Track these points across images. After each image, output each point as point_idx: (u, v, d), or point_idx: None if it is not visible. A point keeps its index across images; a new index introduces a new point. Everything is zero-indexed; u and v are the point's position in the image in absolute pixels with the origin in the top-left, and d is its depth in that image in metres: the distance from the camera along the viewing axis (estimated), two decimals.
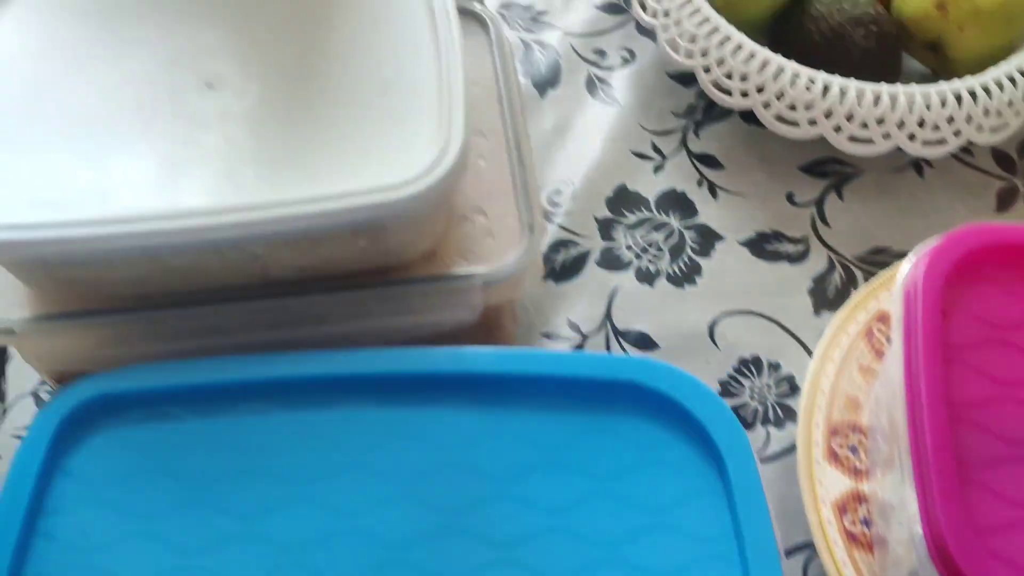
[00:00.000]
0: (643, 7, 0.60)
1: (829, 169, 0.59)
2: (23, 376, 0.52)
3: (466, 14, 0.51)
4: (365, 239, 0.42)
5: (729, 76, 0.55)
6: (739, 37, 0.55)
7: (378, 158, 0.41)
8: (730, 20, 0.56)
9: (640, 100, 0.62)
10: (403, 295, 0.44)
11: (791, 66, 0.54)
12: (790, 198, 0.58)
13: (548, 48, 0.65)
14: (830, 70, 0.54)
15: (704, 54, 0.56)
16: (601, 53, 0.65)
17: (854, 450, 0.46)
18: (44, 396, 0.52)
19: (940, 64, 0.57)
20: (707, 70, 0.56)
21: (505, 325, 0.51)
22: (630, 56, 0.64)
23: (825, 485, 0.45)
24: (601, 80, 0.63)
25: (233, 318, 0.44)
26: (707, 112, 0.61)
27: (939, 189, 0.58)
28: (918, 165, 0.59)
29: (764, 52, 0.55)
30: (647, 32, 0.65)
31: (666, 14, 0.58)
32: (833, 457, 0.46)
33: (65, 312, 0.44)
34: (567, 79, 0.63)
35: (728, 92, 0.56)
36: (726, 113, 0.60)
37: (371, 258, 0.44)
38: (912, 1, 0.56)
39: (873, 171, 0.58)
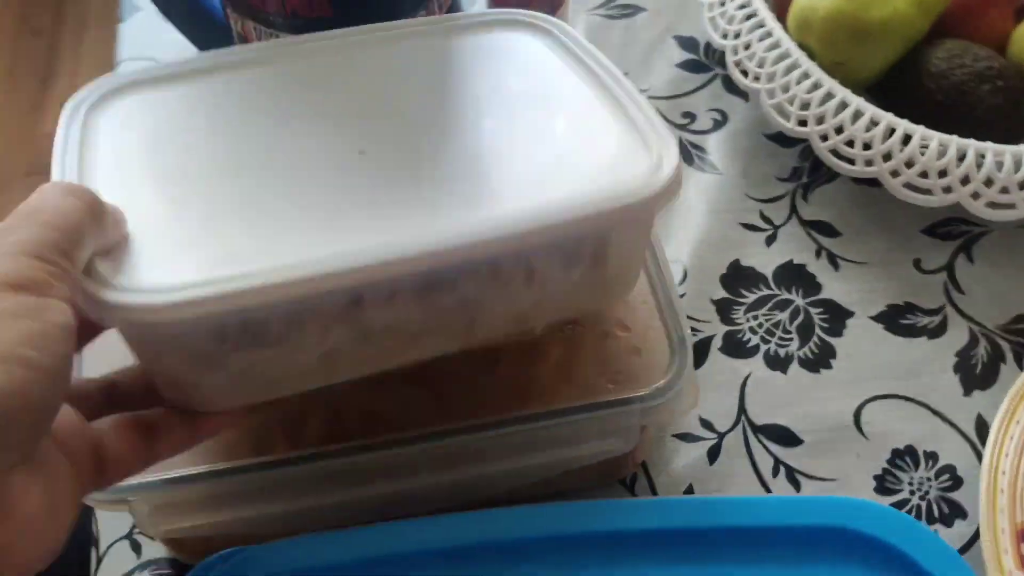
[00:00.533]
0: (743, 71, 0.56)
1: (954, 230, 0.55)
2: (115, 516, 0.48)
3: None
4: (581, 269, 0.38)
5: (850, 144, 0.52)
6: (857, 102, 0.52)
7: (585, 172, 0.37)
8: (841, 80, 0.53)
9: (739, 166, 0.59)
10: (560, 427, 0.41)
11: (920, 131, 0.50)
12: (917, 265, 0.54)
13: None
14: (953, 129, 0.51)
15: (820, 121, 0.53)
16: (690, 116, 0.61)
17: None
18: (140, 540, 0.48)
19: None
20: (824, 138, 0.53)
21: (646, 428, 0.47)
22: (721, 118, 0.61)
23: None
24: (695, 146, 0.60)
25: (370, 466, 0.40)
26: (813, 174, 0.58)
27: None
28: None
29: (888, 117, 0.51)
30: (736, 90, 0.61)
31: (770, 78, 0.54)
32: None
33: (189, 475, 0.40)
34: None
35: (850, 160, 0.52)
36: (834, 174, 0.57)
37: (580, 300, 0.40)
38: None
39: (1001, 228, 0.55)
